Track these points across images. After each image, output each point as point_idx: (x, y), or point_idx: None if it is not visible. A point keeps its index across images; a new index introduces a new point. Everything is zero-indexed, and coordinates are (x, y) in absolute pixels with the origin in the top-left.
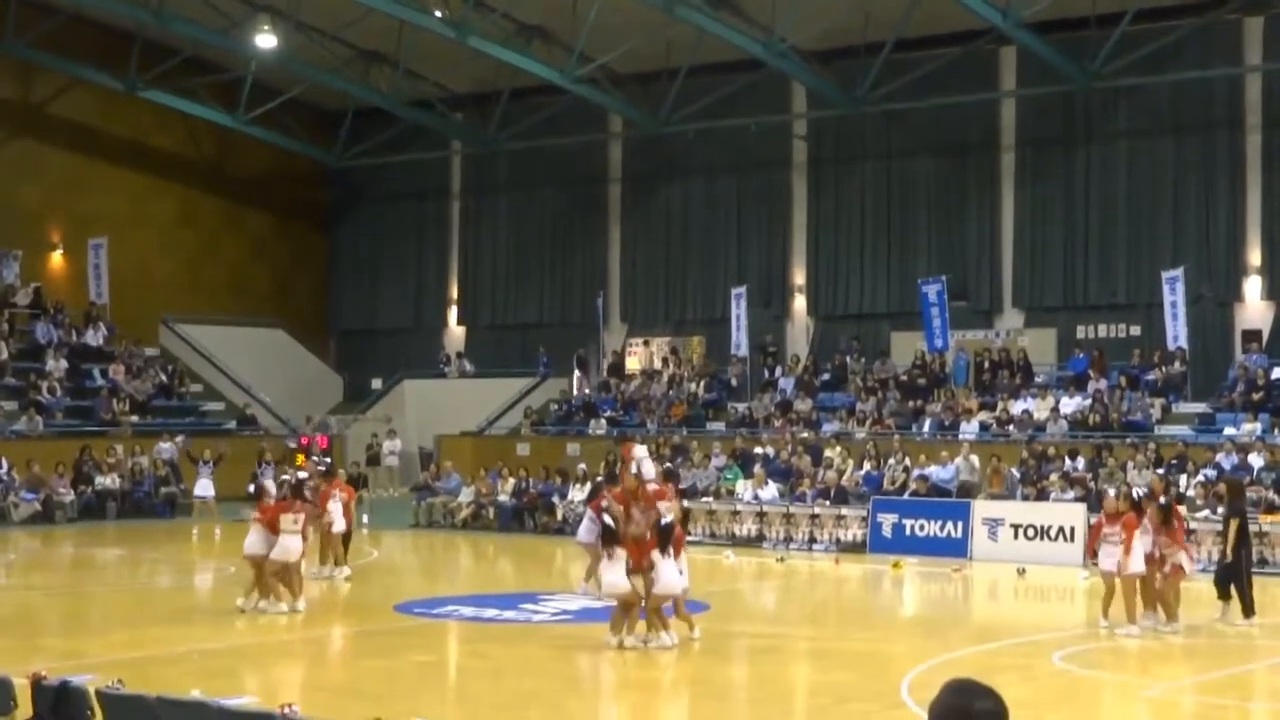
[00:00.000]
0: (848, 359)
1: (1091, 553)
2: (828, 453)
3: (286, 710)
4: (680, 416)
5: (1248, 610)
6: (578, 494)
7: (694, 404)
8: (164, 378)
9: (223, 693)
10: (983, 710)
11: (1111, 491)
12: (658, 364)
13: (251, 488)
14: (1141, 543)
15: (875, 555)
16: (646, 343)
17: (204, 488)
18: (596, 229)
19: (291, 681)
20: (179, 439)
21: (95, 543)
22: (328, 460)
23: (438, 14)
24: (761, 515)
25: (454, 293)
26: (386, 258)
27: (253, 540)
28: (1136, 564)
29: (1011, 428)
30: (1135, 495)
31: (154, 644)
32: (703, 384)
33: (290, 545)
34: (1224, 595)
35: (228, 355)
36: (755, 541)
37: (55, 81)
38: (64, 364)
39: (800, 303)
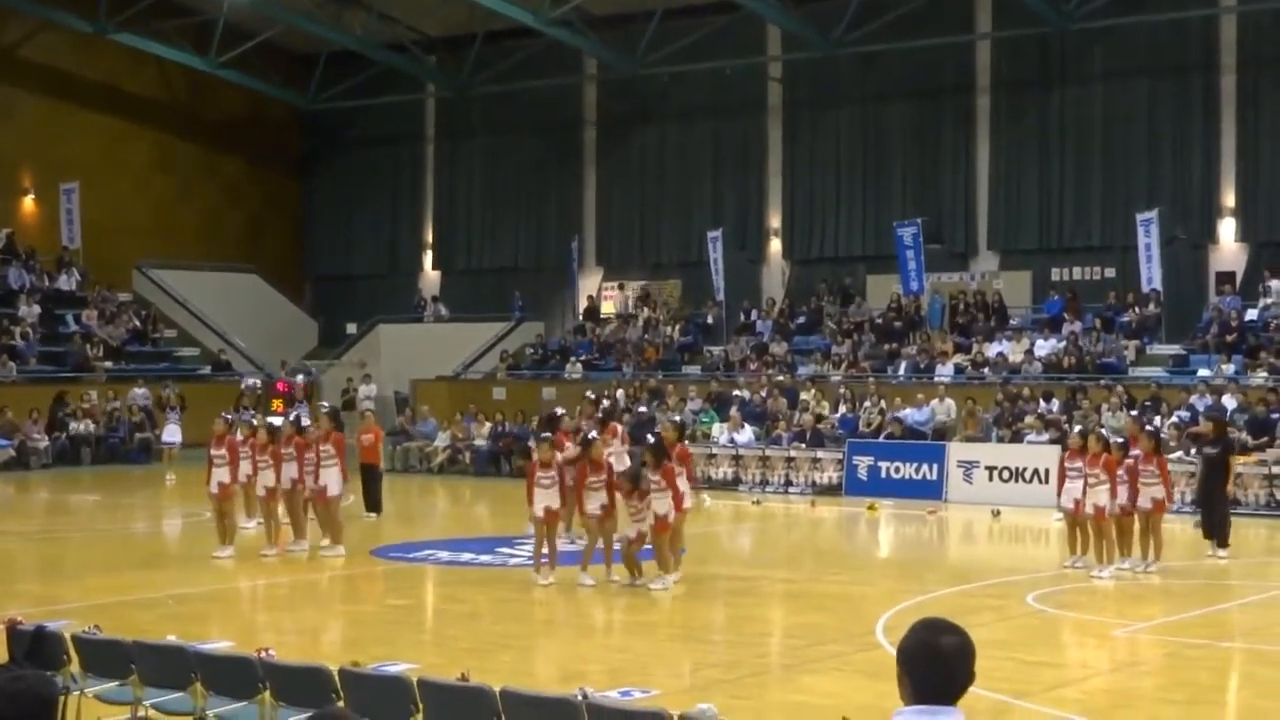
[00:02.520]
0: (823, 302)
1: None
2: (803, 395)
3: (263, 654)
4: (655, 360)
5: (1224, 542)
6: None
7: (670, 347)
8: (138, 323)
9: (199, 637)
10: (949, 644)
11: (1078, 429)
12: (633, 307)
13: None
14: (1117, 485)
15: (851, 498)
16: (622, 286)
17: (171, 434)
18: (571, 172)
19: (268, 626)
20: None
21: (70, 489)
22: (324, 405)
23: None
24: (737, 458)
25: (429, 237)
26: (361, 202)
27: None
28: (1110, 504)
29: (987, 370)
30: (1106, 436)
31: (129, 589)
32: (678, 327)
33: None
34: (1210, 535)
35: (202, 300)
36: (731, 485)
37: (25, 24)
38: (37, 309)
39: (776, 246)
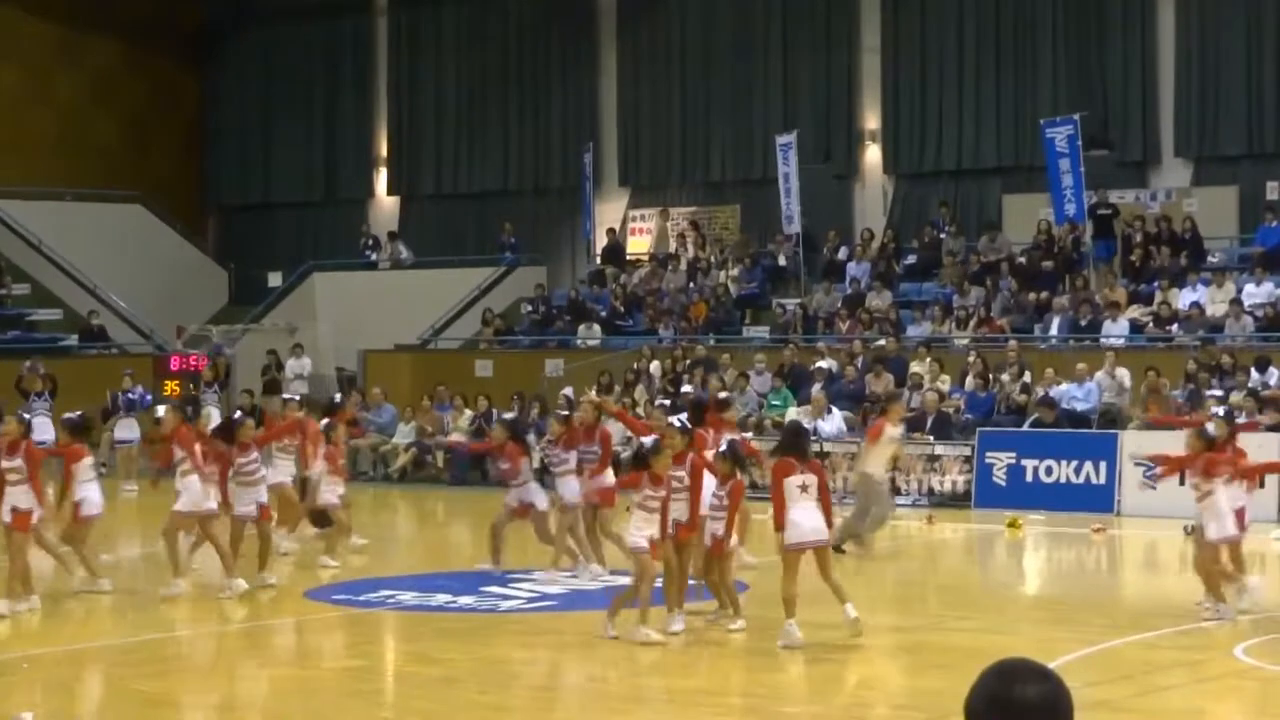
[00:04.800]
0: (941, 234)
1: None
2: (915, 367)
3: None
4: (705, 318)
5: None
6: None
7: (725, 301)
8: None
9: (64, 714)
10: (1024, 699)
11: None
12: (673, 245)
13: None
14: None
15: (984, 510)
16: (665, 213)
17: (42, 429)
18: (583, 55)
19: (163, 697)
20: (27, 364)
21: None
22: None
23: None
24: (823, 456)
25: (382, 149)
26: (285, 100)
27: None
28: None
29: (1175, 328)
30: None
31: None
32: (738, 272)
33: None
34: None
35: (64, 242)
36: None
37: None
38: None
39: (873, 155)
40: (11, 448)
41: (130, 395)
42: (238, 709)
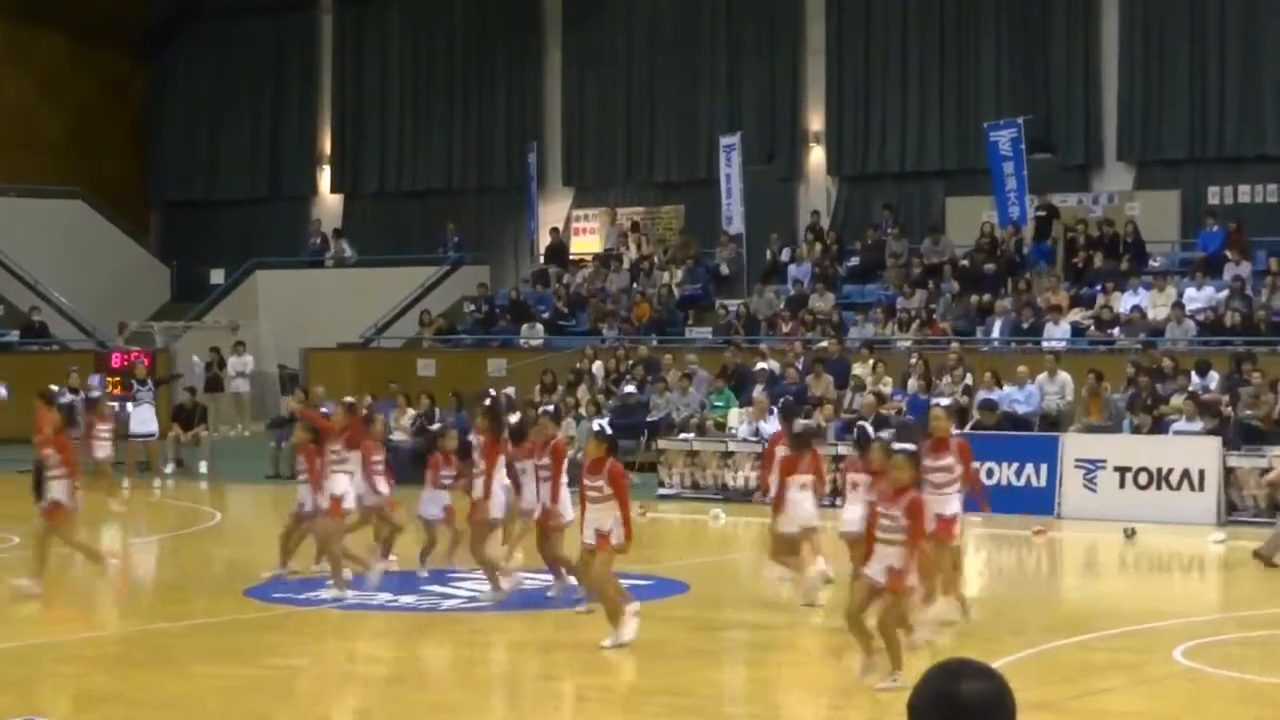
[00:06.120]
0: (885, 236)
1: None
2: (857, 369)
3: None
4: (648, 319)
5: None
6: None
7: (668, 301)
8: None
9: (8, 714)
10: (972, 694)
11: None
12: (617, 245)
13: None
14: None
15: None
16: (609, 216)
17: None
18: (528, 51)
19: (102, 696)
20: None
21: None
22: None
23: None
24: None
25: (326, 146)
26: (230, 97)
27: None
28: None
29: (1116, 331)
30: None
31: None
32: (681, 272)
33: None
34: None
35: (6, 238)
36: (754, 495)
37: None
38: None
39: (817, 156)
40: None
41: (75, 392)
42: (179, 707)
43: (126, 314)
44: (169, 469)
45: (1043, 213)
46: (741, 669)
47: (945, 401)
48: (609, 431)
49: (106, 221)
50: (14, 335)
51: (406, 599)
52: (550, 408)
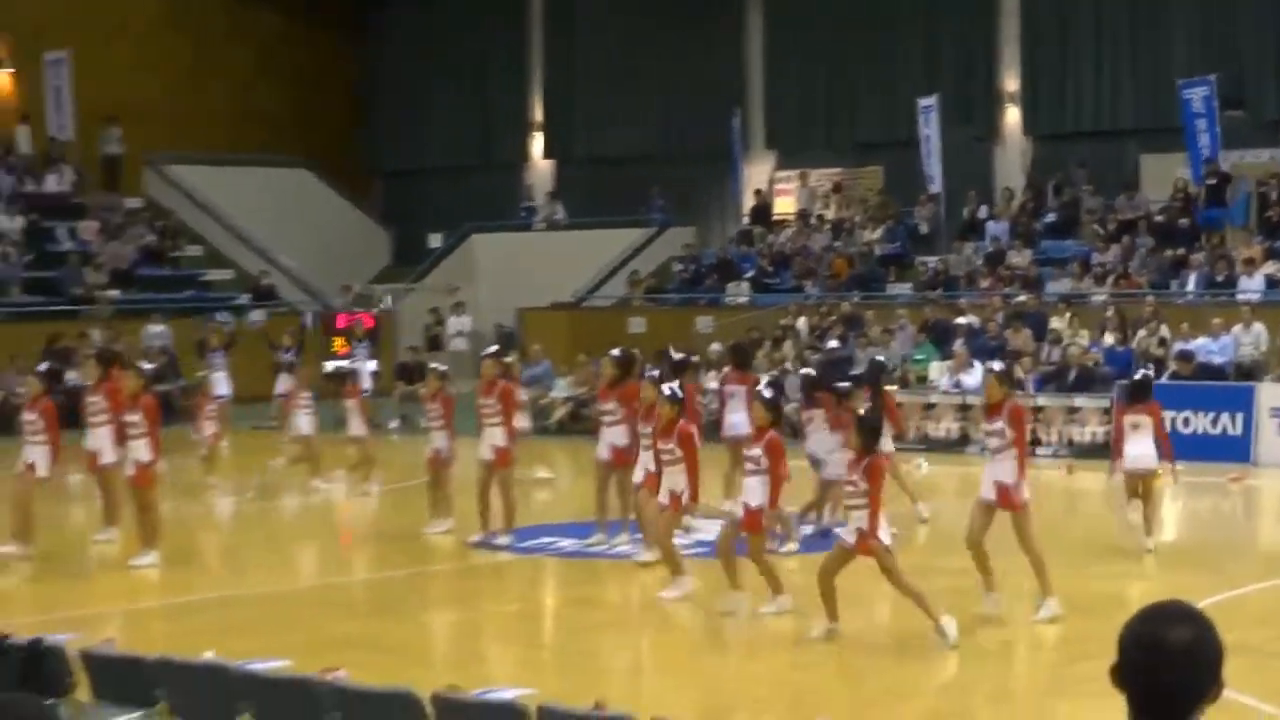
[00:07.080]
0: (1080, 193)
1: None
2: (1054, 322)
3: (330, 676)
4: (850, 276)
5: None
6: (713, 383)
7: (869, 259)
8: (152, 238)
9: (245, 654)
10: (1179, 641)
11: None
12: (819, 205)
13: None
14: None
15: None
16: (803, 176)
17: (219, 383)
18: (730, 19)
19: (335, 639)
20: (255, 315)
21: (67, 458)
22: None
23: None
24: (964, 409)
25: (537, 114)
26: (443, 69)
27: None
28: None
29: None
30: None
31: (152, 592)
32: (881, 231)
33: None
34: None
35: (236, 206)
36: (957, 445)
37: None
38: (20, 221)
39: (1013, 117)
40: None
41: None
42: (407, 649)
43: (349, 277)
44: (393, 424)
45: (1213, 180)
46: (952, 613)
47: (997, 366)
48: (680, 394)
49: (329, 189)
50: (244, 297)
51: (623, 547)
52: (654, 372)
